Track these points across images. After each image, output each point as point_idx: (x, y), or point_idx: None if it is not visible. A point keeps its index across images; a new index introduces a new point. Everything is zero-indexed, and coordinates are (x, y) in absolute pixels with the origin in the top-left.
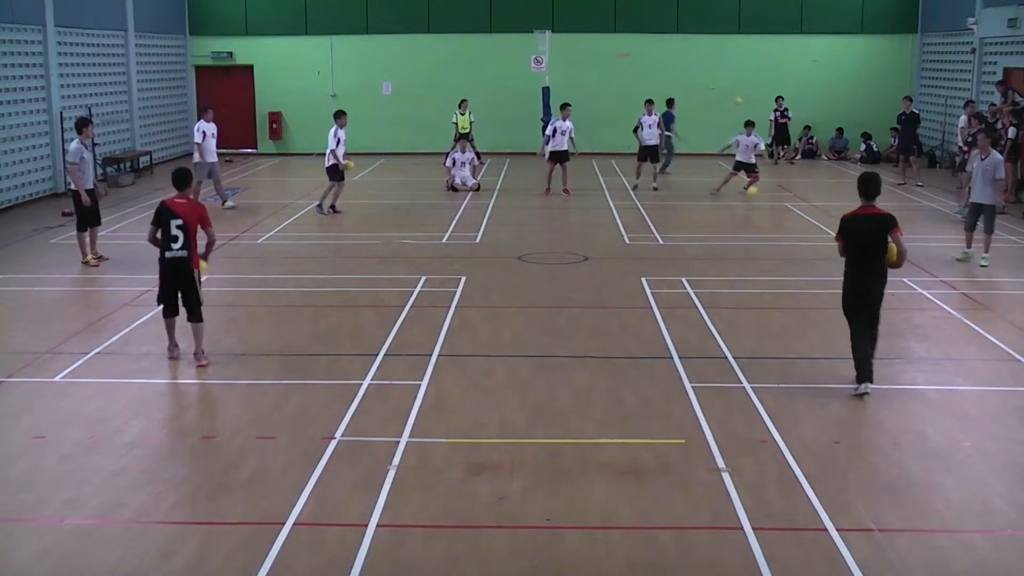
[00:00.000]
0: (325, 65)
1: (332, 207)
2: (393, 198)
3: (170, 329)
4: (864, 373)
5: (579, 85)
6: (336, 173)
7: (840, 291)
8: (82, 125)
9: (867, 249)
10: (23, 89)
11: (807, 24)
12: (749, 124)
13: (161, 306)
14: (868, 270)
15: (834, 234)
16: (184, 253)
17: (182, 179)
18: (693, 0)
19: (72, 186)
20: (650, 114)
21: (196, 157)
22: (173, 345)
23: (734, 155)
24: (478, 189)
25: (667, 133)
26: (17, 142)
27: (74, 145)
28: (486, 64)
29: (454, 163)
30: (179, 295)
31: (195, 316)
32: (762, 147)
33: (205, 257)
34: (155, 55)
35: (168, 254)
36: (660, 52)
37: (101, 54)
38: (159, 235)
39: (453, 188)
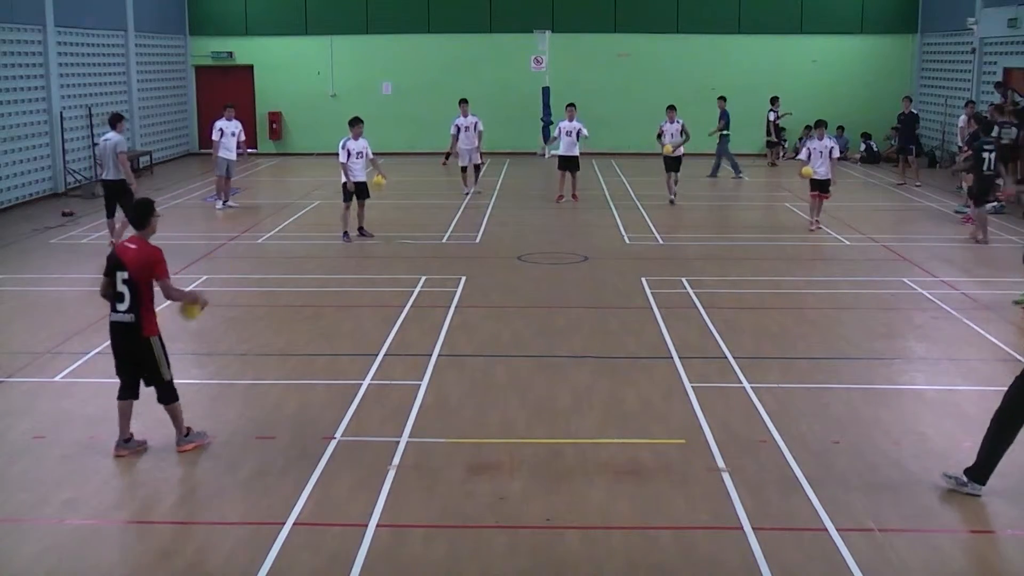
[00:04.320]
0: (325, 65)
1: (360, 229)
2: (393, 198)
3: (122, 415)
4: (988, 474)
5: (579, 85)
6: (345, 192)
7: None
8: (117, 120)
9: None
10: (23, 89)
11: (807, 24)
12: (820, 124)
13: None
14: None
15: None
16: (130, 317)
17: (141, 214)
18: (693, 0)
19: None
20: (672, 121)
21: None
22: (122, 441)
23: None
24: (477, 175)
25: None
26: (17, 142)
27: (119, 136)
28: (486, 64)
29: (457, 130)
30: (136, 371)
31: (164, 396)
32: (837, 152)
33: (190, 310)
34: (155, 55)
35: (112, 317)
36: (660, 52)
37: (101, 54)
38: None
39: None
